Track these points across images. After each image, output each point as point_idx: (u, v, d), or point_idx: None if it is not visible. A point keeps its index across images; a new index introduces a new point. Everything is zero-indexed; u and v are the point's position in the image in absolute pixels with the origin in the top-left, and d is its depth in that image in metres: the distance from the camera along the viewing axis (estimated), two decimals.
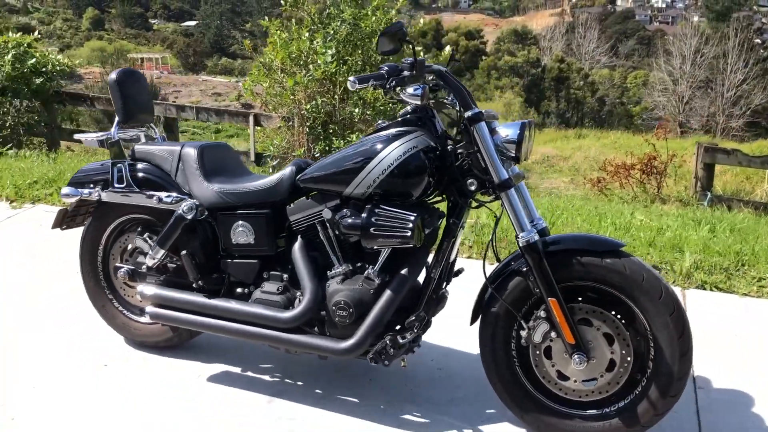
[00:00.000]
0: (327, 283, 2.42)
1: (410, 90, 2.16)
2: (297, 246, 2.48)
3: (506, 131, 2.26)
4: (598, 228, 4.17)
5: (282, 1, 7.18)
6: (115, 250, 2.88)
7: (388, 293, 2.31)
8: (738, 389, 2.68)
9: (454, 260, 2.55)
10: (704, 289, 3.43)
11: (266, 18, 7.08)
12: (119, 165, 2.72)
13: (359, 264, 2.42)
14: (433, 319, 2.54)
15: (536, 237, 2.22)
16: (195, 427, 2.41)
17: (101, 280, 2.91)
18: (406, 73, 2.18)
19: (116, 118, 2.78)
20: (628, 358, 2.23)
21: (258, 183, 2.53)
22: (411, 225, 2.22)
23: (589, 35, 50.82)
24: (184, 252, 2.60)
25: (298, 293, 2.47)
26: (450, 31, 53.21)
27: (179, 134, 8.14)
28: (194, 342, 2.95)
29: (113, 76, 2.76)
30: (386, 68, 2.18)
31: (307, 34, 7.01)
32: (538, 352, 2.32)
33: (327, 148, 6.80)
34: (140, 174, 2.71)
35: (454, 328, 2.79)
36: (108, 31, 73.96)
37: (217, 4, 74.47)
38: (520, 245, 2.23)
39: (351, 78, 2.14)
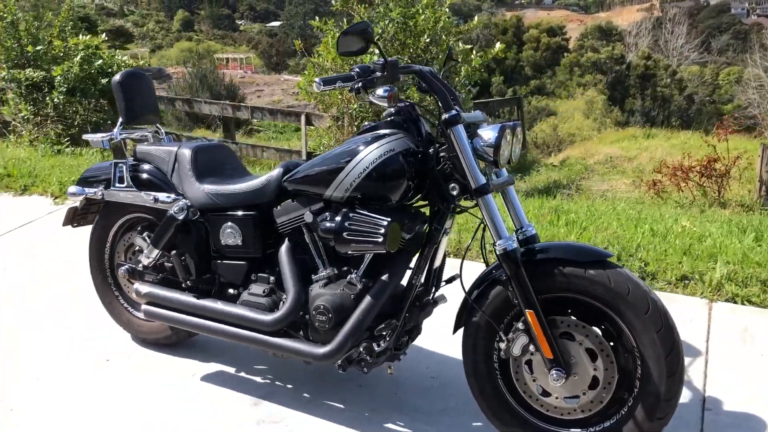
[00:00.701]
0: (310, 287, 2.40)
1: (379, 92, 2.10)
2: (283, 249, 2.46)
3: (487, 134, 2.16)
4: (632, 233, 3.97)
5: (333, 1, 7.21)
6: (120, 248, 2.95)
7: (367, 299, 2.26)
8: (752, 414, 2.48)
9: (441, 266, 2.47)
10: (735, 302, 3.20)
11: (317, 18, 7.12)
12: (120, 165, 2.78)
13: (345, 268, 2.38)
14: (435, 325, 2.48)
15: (514, 245, 2.12)
16: (180, 424, 2.43)
17: (108, 277, 2.99)
18: (377, 74, 2.12)
19: (120, 119, 2.84)
20: (612, 376, 2.09)
21: (246, 185, 2.52)
22: (382, 230, 2.16)
23: (678, 30, 48.73)
24: (174, 252, 2.63)
25: (284, 296, 2.45)
26: (531, 27, 52.25)
27: (235, 133, 8.30)
28: (194, 341, 2.99)
29: (117, 78, 2.82)
30: (357, 69, 2.12)
31: None
32: (518, 366, 2.22)
33: None
34: (139, 174, 2.76)
35: (454, 336, 2.70)
36: (197, 32, 76.51)
37: (301, 5, 75.67)
38: (497, 253, 2.14)
39: (316, 79, 2.10)
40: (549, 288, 2.14)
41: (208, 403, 2.57)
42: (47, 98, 7.94)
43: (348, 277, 2.33)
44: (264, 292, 2.49)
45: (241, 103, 7.61)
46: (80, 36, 8.24)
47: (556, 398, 2.17)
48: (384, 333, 2.25)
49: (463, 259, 2.32)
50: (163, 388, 2.67)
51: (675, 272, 3.43)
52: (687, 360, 2.77)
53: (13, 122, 8.39)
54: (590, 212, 4.55)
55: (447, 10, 7.19)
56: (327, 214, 2.30)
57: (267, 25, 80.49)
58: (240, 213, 2.52)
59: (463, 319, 2.30)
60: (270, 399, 2.59)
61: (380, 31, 6.73)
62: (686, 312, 3.14)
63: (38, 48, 8.08)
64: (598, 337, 2.10)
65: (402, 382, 2.69)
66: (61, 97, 7.89)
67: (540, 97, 42.93)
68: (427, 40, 6.68)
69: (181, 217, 2.58)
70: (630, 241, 3.81)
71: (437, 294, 2.47)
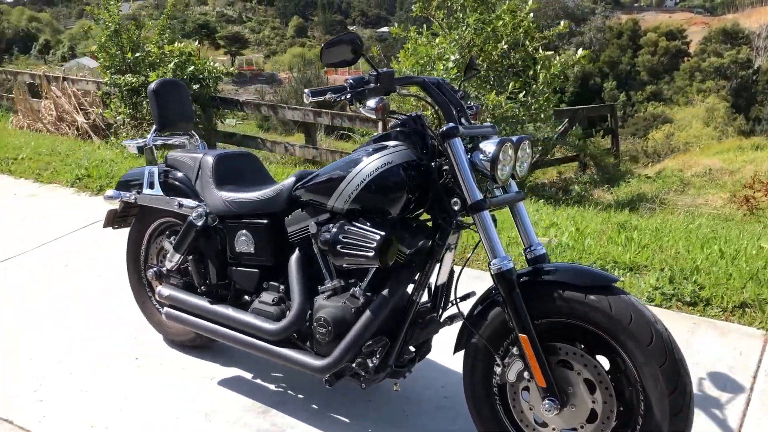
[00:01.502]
0: (315, 298, 2.38)
1: (369, 103, 2.04)
2: (293, 258, 2.45)
3: (487, 148, 2.07)
4: (696, 254, 3.70)
5: (413, 7, 7.18)
6: (153, 251, 3.05)
7: (367, 314, 2.21)
8: None
9: (448, 283, 2.39)
10: None
11: (395, 24, 7.12)
12: (152, 170, 2.87)
13: (352, 281, 2.34)
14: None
15: (510, 265, 2.02)
16: (184, 426, 2.48)
17: (142, 279, 3.10)
18: (371, 85, 2.07)
19: (154, 126, 2.94)
20: (611, 410, 1.95)
21: (259, 193, 2.54)
22: (375, 244, 2.11)
23: None
24: (191, 257, 2.68)
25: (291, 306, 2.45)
26: (649, 30, 50.18)
27: (317, 137, 8.43)
28: (220, 345, 3.03)
29: (152, 86, 2.91)
30: (351, 80, 2.08)
31: (436, 40, 6.95)
32: (515, 393, 2.11)
33: None
34: (169, 179, 2.84)
35: None
36: (310, 38, 78.84)
37: (411, 10, 76.29)
38: (492, 273, 2.04)
39: (306, 90, 2.07)
40: (547, 312, 2.02)
41: (219, 407, 2.61)
42: (144, 102, 8.37)
43: (351, 290, 2.29)
44: (273, 300, 2.49)
45: (323, 110, 7.73)
46: (176, 43, 8.63)
47: (553, 429, 2.04)
48: (374, 349, 2.19)
49: (458, 276, 2.23)
50: (179, 390, 2.72)
51: (734, 298, 3.17)
52: (725, 397, 2.55)
53: (114, 125, 8.90)
54: (659, 229, 4.27)
55: (531, 15, 7.00)
56: (329, 225, 2.27)
57: (377, 30, 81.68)
58: (253, 221, 2.54)
59: (463, 340, 2.21)
60: (279, 408, 2.59)
61: (457, 37, 6.63)
62: (737, 343, 2.89)
63: (137, 55, 8.52)
64: (597, 367, 1.95)
65: (413, 399, 2.62)
66: None
67: (656, 104, 41.13)
68: (505, 46, 6.52)
69: (199, 223, 2.63)
70: (689, 262, 3.55)
71: (448, 312, 2.39)
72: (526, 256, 2.21)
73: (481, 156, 2.06)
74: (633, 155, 16.03)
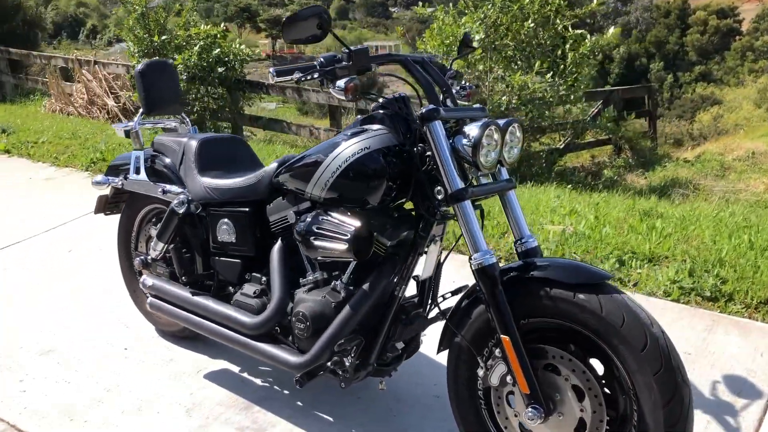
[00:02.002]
0: (296, 291, 2.25)
1: (339, 83, 1.89)
2: (275, 249, 2.32)
3: (471, 132, 1.89)
4: (724, 244, 3.45)
5: None
6: (142, 238, 2.96)
7: (346, 309, 2.07)
8: None
9: (436, 277, 2.24)
10: None
11: (420, 4, 6.91)
12: (138, 155, 2.77)
13: (335, 273, 2.21)
14: None
15: (492, 260, 1.85)
16: (163, 421, 2.39)
17: (133, 266, 3.01)
18: (343, 63, 1.91)
19: (140, 109, 2.83)
20: (601, 420, 1.77)
21: (240, 180, 2.41)
22: (348, 236, 1.96)
23: None
24: (173, 246, 2.58)
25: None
26: (698, 9, 48.52)
27: (341, 121, 8.29)
28: None
29: (138, 67, 2.80)
30: (322, 58, 1.93)
31: (462, 19, 6.72)
32: (499, 398, 1.95)
33: None
34: (155, 165, 2.74)
35: None
36: (351, 20, 78.46)
37: None
38: (473, 269, 1.87)
39: (271, 69, 1.92)
40: (532, 312, 1.85)
41: (202, 401, 2.51)
42: None
43: (333, 283, 2.16)
44: (255, 293, 2.37)
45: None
46: (201, 26, 8.56)
47: None
48: (347, 348, 2.05)
49: (435, 267, 2.08)
50: (163, 383, 2.64)
51: (759, 294, 2.94)
52: (740, 403, 2.34)
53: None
54: (685, 218, 4.02)
55: None
56: (306, 214, 2.14)
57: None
58: (234, 209, 2.42)
59: (446, 339, 2.05)
60: (263, 404, 2.48)
61: (482, 16, 6.40)
62: (759, 343, 2.67)
63: (163, 38, 8.48)
64: (585, 373, 1.78)
65: (403, 398, 2.48)
66: (182, 85, 8.26)
67: (705, 85, 39.80)
68: (532, 24, 6.25)
69: (181, 211, 2.52)
70: (713, 253, 3.31)
71: (436, 307, 2.23)
72: (516, 250, 2.04)
73: (464, 141, 1.89)
74: (678, 138, 15.49)
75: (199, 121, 8.62)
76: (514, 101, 6.21)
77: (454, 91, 2.28)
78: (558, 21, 6.71)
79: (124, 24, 8.94)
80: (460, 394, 2.04)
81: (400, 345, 2.30)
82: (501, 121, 1.95)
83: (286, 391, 2.56)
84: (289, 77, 1.93)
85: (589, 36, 6.63)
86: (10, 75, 11.71)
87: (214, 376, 2.68)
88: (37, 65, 11.17)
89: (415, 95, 2.08)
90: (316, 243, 2.02)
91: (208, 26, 8.59)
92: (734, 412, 2.30)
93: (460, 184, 1.87)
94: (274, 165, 2.33)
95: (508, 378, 1.86)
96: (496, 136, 1.90)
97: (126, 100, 9.59)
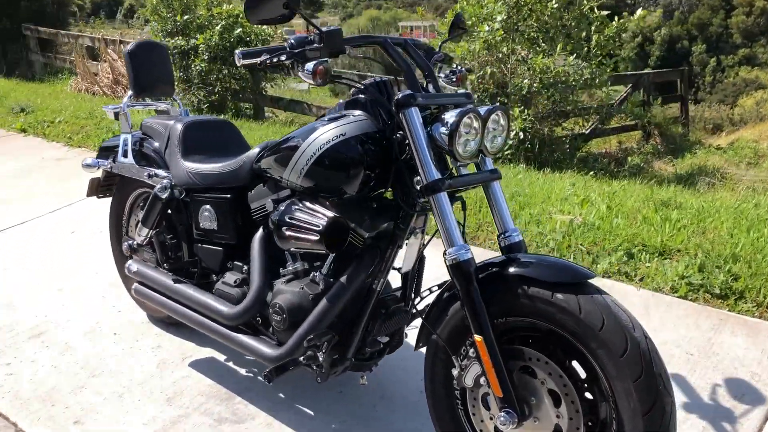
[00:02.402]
0: (275, 281, 2.18)
1: (307, 66, 1.79)
2: (257, 237, 2.25)
3: (449, 119, 1.78)
4: (741, 238, 3.28)
5: None
6: (132, 222, 2.91)
7: (323, 302, 2.00)
8: None
9: (419, 270, 2.15)
10: None
11: None
12: (126, 138, 2.72)
13: (317, 264, 2.13)
14: None
15: (467, 255, 1.75)
16: (143, 409, 2.35)
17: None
18: (314, 45, 1.81)
19: (129, 91, 2.77)
20: (578, 427, 1.67)
21: (222, 165, 2.34)
22: (320, 227, 1.88)
23: None
24: (155, 231, 2.53)
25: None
26: None
27: None
28: None
29: (128, 47, 2.74)
30: (292, 40, 1.83)
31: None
32: (475, 399, 1.86)
33: None
34: (143, 148, 2.68)
35: None
36: (386, 0, 77.74)
37: None
38: (447, 264, 1.77)
39: (237, 51, 1.83)
40: (509, 311, 1.75)
41: (184, 390, 2.46)
42: (192, 65, 8.31)
43: (312, 274, 2.08)
44: (235, 282, 2.30)
45: (366, 74, 7.46)
46: (223, 5, 8.50)
47: None
48: (321, 342, 1.97)
49: (417, 263, 1.98)
50: (147, 371, 2.60)
51: None
52: (741, 408, 2.21)
53: None
54: (704, 209, 3.85)
55: None
56: (282, 203, 2.06)
57: None
58: (215, 195, 2.35)
59: (423, 336, 1.96)
60: (244, 395, 2.43)
61: None
62: (767, 345, 2.52)
63: (186, 17, 8.44)
64: (562, 377, 1.68)
65: (387, 395, 2.40)
66: (203, 65, 8.23)
67: (749, 68, 38.60)
68: (555, 5, 6.05)
69: (163, 196, 2.46)
70: (728, 247, 3.15)
71: (414, 304, 2.14)
72: (499, 244, 1.94)
73: (441, 128, 1.78)
74: (717, 123, 15.04)
75: (221, 102, 8.60)
76: (535, 85, 6.03)
77: (442, 75, 2.18)
78: (585, 2, 6.49)
79: (147, 3, 8.92)
80: (437, 393, 1.96)
81: (384, 339, 2.22)
82: (483, 108, 1.84)
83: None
84: (256, 59, 1.84)
85: (616, 18, 6.40)
86: (39, 54, 11.83)
87: (199, 365, 2.63)
88: (68, 44, 11.24)
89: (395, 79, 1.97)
90: (288, 233, 1.94)
91: (230, 6, 8.52)
92: (733, 418, 2.17)
93: (436, 175, 1.76)
94: (256, 150, 2.25)
95: (482, 379, 1.77)
96: (475, 124, 1.79)
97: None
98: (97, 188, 2.97)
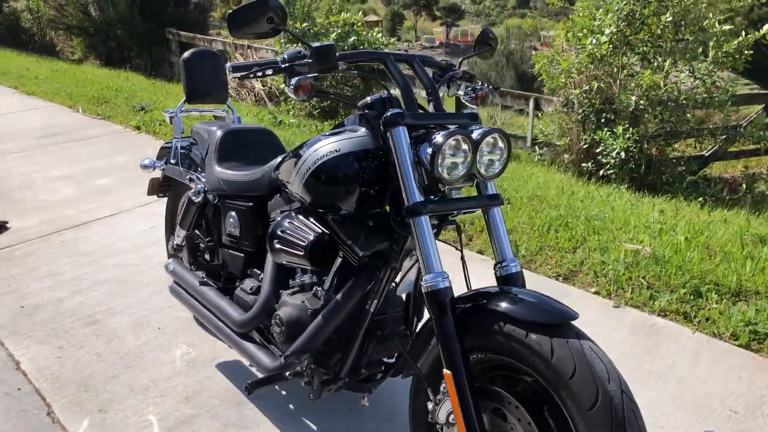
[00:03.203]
0: (283, 291, 2.19)
1: (292, 80, 1.76)
2: None
3: (437, 139, 1.71)
4: (756, 256, 2.92)
5: None
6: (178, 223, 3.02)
7: (318, 319, 1.98)
8: None
9: (415, 293, 2.07)
10: None
11: None
12: (176, 142, 2.83)
13: (324, 278, 2.12)
14: None
15: (444, 284, 1.66)
16: (161, 406, 2.43)
17: None
18: (305, 60, 1.79)
19: (184, 97, 2.88)
20: None
21: (247, 173, 2.38)
22: (305, 243, 1.86)
23: None
24: (186, 233, 2.61)
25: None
26: None
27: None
28: None
29: (185, 55, 2.85)
30: (285, 55, 1.82)
31: (599, 11, 6.25)
32: None
33: (598, 139, 6.05)
34: (190, 152, 2.79)
35: None
36: (531, 8, 76.48)
37: None
38: (423, 292, 1.69)
39: (228, 64, 1.84)
40: (486, 347, 1.65)
41: (202, 391, 2.52)
42: None
43: (314, 288, 2.07)
44: (251, 289, 2.33)
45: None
46: (341, 13, 8.68)
47: None
48: (296, 360, 1.95)
49: (416, 285, 1.90)
50: (176, 368, 2.68)
51: None
52: None
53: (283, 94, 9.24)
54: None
55: None
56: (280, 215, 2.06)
57: None
58: (239, 203, 2.40)
59: (407, 366, 1.90)
60: (257, 402, 2.45)
61: (615, 7, 5.90)
62: None
63: (304, 24, 8.71)
64: (531, 425, 1.56)
65: (395, 416, 2.34)
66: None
67: None
68: (669, 18, 5.66)
69: (197, 200, 2.54)
70: (755, 275, 2.82)
71: (403, 329, 2.07)
72: (495, 274, 1.83)
73: (428, 149, 1.70)
74: None
75: (333, 108, 8.79)
76: (642, 102, 5.68)
77: (461, 93, 2.10)
78: (710, 15, 6.03)
79: None
80: (418, 424, 1.88)
81: (391, 360, 2.16)
82: (479, 131, 1.74)
83: (284, 392, 2.51)
84: (246, 72, 1.83)
85: (744, 33, 5.89)
86: (179, 56, 12.63)
87: (225, 367, 2.69)
88: (212, 48, 11.94)
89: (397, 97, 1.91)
90: (278, 246, 1.94)
91: (347, 14, 8.69)
92: None
93: (418, 197, 1.69)
94: (278, 160, 2.26)
95: (451, 417, 1.67)
96: (464, 146, 1.70)
97: (272, 84, 9.98)
98: (157, 188, 3.12)
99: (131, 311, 3.14)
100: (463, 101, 2.13)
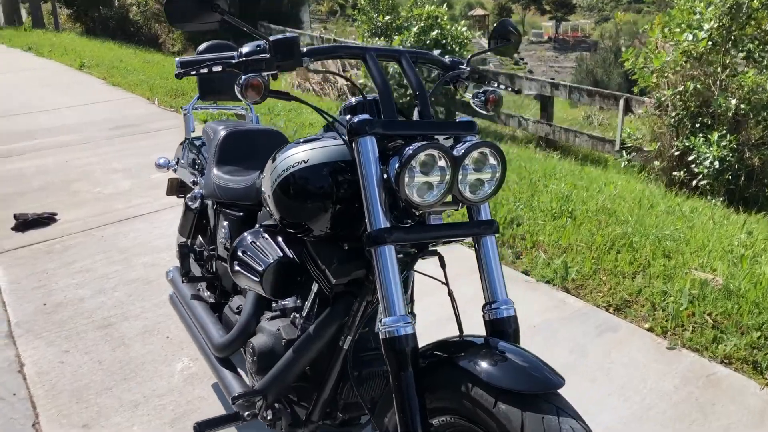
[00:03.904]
0: (263, 316, 1.94)
1: (240, 79, 1.50)
2: None
3: (408, 153, 1.40)
4: None
5: None
6: None
7: (289, 353, 1.73)
8: None
9: None
10: None
11: None
12: (186, 142, 2.65)
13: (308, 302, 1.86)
14: None
15: (405, 331, 1.36)
16: (147, 422, 2.26)
17: None
18: (262, 56, 1.52)
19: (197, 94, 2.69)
20: None
21: (240, 179, 2.15)
22: (261, 268, 1.61)
23: None
24: (181, 241, 2.41)
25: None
26: None
27: (553, 113, 7.58)
28: None
29: (199, 48, 2.65)
30: (242, 50, 1.55)
31: (700, 3, 5.66)
32: None
33: (690, 146, 5.49)
34: (199, 153, 2.59)
35: None
36: (647, 4, 73.08)
37: None
38: (381, 338, 1.39)
39: (177, 59, 1.59)
40: (452, 410, 1.34)
41: (192, 411, 2.33)
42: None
43: (292, 315, 1.82)
44: (237, 308, 2.11)
45: (560, 82, 6.86)
46: (425, 6, 8.38)
47: None
48: (246, 403, 1.69)
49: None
50: (172, 380, 2.51)
51: None
52: None
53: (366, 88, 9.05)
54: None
55: None
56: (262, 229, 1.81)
57: None
58: (232, 211, 2.17)
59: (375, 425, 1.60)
60: (243, 430, 2.23)
61: (718, 1, 5.29)
62: None
63: (387, 18, 8.48)
64: None
65: None
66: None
67: None
68: None
69: (194, 206, 2.34)
70: None
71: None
72: (483, 317, 1.50)
73: (396, 164, 1.40)
74: None
75: (411, 104, 8.52)
76: (743, 106, 5.06)
77: (469, 95, 1.79)
78: None
79: (358, 4, 9.11)
80: None
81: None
82: (463, 144, 1.43)
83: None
84: (193, 69, 1.57)
85: None
86: None
87: (220, 388, 2.48)
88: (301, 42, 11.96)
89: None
90: (236, 268, 1.70)
91: (431, 7, 8.38)
92: None
93: (383, 222, 1.39)
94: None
95: None
96: (441, 163, 1.39)
97: (353, 79, 9.83)
98: (176, 188, 2.95)
99: (146, 316, 3.00)
100: (473, 105, 1.81)
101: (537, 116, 7.82)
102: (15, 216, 4.11)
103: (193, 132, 2.68)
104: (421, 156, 1.36)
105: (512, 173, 4.65)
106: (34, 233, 4.01)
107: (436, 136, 1.50)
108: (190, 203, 2.34)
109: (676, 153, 5.64)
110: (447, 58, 1.79)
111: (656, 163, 5.98)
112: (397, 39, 8.14)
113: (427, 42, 8.09)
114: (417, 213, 1.46)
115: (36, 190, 4.79)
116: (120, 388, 2.49)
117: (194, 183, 2.46)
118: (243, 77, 1.47)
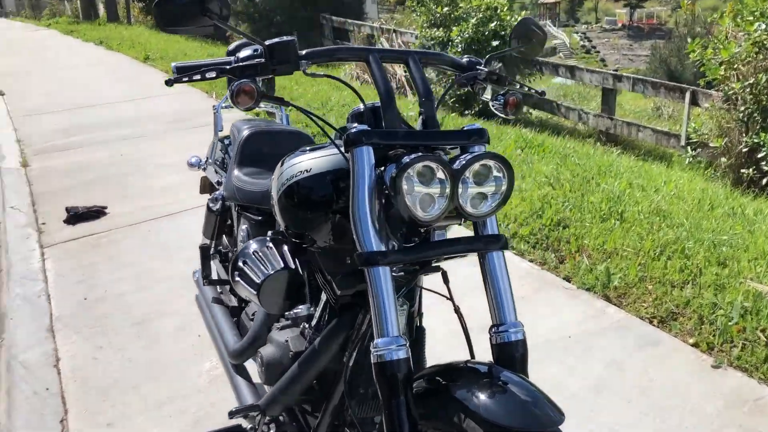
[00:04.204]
0: (276, 324, 1.90)
1: (231, 86, 1.43)
2: None
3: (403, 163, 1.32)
4: None
5: None
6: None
7: (294, 367, 1.68)
8: None
9: (418, 342, 1.68)
10: None
11: None
12: (215, 141, 2.63)
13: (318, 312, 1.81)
14: None
15: (397, 355, 1.28)
16: (171, 422, 2.26)
17: None
18: (256, 60, 1.45)
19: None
20: None
21: (259, 182, 2.10)
22: (259, 279, 1.56)
23: None
24: (203, 242, 2.39)
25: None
26: None
27: (615, 107, 7.28)
28: None
29: (230, 47, 2.62)
30: (239, 54, 1.49)
31: None
32: None
33: (761, 142, 5.18)
34: (226, 153, 2.57)
35: None
36: None
37: None
38: (372, 361, 1.32)
39: (173, 64, 1.53)
40: None
41: (216, 413, 2.32)
42: None
43: (302, 325, 1.77)
44: (252, 314, 2.07)
45: (623, 74, 6.59)
46: None
47: None
48: (244, 416, 1.65)
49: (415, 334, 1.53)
50: (195, 381, 2.51)
51: None
52: None
53: None
54: None
55: None
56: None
57: None
58: (251, 214, 2.13)
59: None
60: None
61: None
62: None
63: (445, 9, 8.34)
64: None
65: None
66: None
67: None
68: None
69: (215, 208, 2.32)
70: None
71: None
72: (490, 340, 1.41)
73: (392, 173, 1.32)
74: None
75: (472, 96, 8.36)
76: None
77: (487, 97, 1.69)
78: None
79: None
80: None
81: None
82: (466, 156, 1.33)
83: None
84: (185, 75, 1.51)
85: None
86: (332, 41, 12.75)
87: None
88: (352, 32, 11.94)
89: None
90: (236, 278, 1.65)
91: None
92: None
93: (375, 246, 1.31)
94: None
95: None
96: (440, 174, 1.30)
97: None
98: (208, 187, 2.94)
99: (181, 313, 3.01)
100: (492, 108, 1.70)
101: (598, 110, 7.54)
102: (67, 209, 4.22)
103: (221, 131, 2.65)
104: (418, 167, 1.27)
105: (565, 170, 4.47)
106: (85, 226, 4.10)
107: (440, 147, 1.41)
108: (211, 205, 2.32)
109: (745, 149, 5.33)
110: (464, 59, 1.69)
111: (723, 159, 5.68)
112: (455, 30, 8.00)
113: (486, 33, 7.92)
114: (422, 230, 1.38)
115: (90, 182, 4.90)
116: (147, 388, 2.50)
117: (218, 183, 2.44)
118: (234, 83, 1.41)
